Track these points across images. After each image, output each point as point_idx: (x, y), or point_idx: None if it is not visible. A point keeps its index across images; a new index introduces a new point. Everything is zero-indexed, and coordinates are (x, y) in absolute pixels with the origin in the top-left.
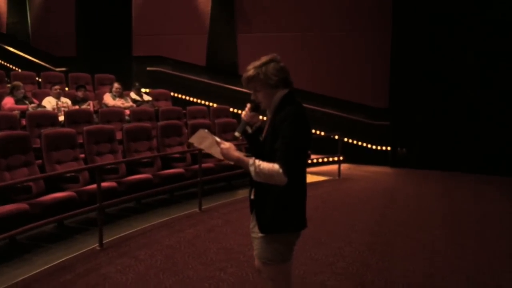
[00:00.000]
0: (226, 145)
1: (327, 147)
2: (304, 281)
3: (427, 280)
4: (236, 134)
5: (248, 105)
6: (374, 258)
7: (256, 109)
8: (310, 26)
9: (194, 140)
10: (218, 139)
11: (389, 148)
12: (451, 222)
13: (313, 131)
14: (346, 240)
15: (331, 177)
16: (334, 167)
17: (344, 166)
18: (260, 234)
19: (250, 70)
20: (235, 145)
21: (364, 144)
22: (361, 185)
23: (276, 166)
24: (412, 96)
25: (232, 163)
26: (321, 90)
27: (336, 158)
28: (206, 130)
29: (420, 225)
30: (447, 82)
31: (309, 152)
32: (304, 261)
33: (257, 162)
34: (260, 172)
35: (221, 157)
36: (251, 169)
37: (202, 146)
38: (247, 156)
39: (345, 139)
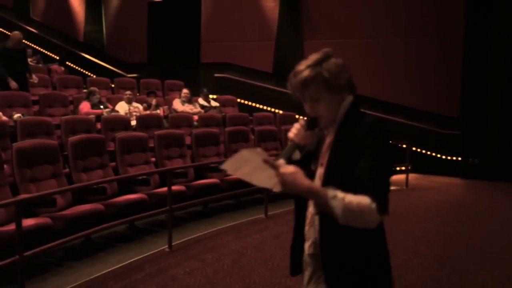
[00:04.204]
0: (290, 168)
1: (395, 156)
2: None
3: None
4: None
5: (301, 122)
6: (444, 271)
7: (312, 125)
8: (376, 32)
9: (228, 165)
10: (272, 162)
11: (459, 158)
12: None
13: None
14: (414, 252)
15: (399, 187)
16: (402, 176)
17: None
18: None
19: (305, 71)
20: None
21: (433, 154)
22: (429, 196)
23: (366, 200)
24: (485, 104)
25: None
26: (387, 98)
27: (404, 168)
28: (259, 149)
29: (495, 239)
30: None
31: None
32: None
33: (340, 193)
34: (350, 209)
35: (269, 186)
36: (335, 204)
37: (238, 174)
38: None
39: (413, 148)
